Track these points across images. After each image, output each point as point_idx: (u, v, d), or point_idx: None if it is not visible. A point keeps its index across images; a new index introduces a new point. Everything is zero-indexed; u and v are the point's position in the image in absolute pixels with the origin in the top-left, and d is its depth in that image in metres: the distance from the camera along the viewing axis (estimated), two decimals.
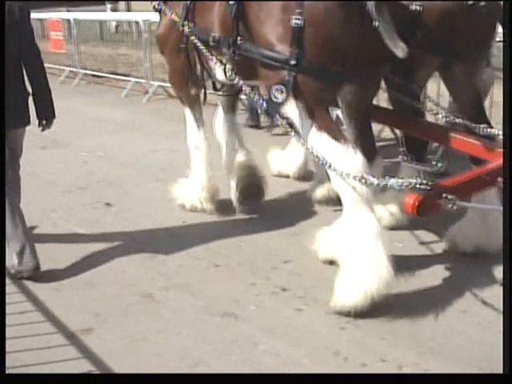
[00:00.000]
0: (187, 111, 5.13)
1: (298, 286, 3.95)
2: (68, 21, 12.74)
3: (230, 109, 5.26)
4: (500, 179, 3.05)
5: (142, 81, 10.88)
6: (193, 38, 4.36)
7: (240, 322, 3.58)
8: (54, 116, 4.32)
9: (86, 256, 4.46)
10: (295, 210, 5.24)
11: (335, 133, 3.63)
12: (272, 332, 3.47)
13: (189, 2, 4.49)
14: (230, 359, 3.23)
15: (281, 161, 6.09)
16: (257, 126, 7.93)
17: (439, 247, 4.36)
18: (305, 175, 5.91)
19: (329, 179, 3.87)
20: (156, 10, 4.98)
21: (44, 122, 4.30)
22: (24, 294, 3.89)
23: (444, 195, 3.13)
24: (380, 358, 3.20)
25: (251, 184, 5.14)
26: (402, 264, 4.13)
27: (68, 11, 13.24)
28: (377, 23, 3.41)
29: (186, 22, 4.45)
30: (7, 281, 3.98)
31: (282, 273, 4.14)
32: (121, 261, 4.39)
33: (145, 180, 6.14)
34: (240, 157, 5.16)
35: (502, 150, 3.44)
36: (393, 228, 4.53)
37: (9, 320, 3.40)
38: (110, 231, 4.89)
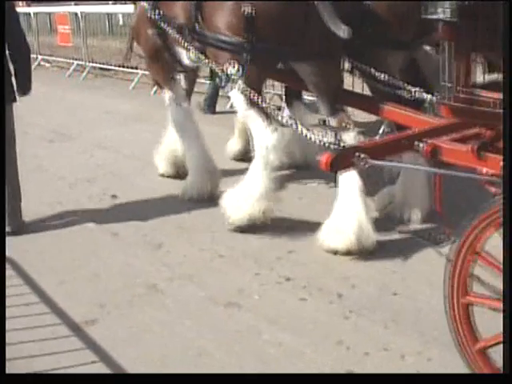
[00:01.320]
0: (166, 93, 5.32)
1: (302, 275, 3.95)
2: (75, 14, 12.77)
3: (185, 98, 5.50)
4: (417, 143, 3.18)
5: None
6: (162, 24, 4.77)
7: (244, 312, 3.59)
8: (30, 88, 4.82)
9: (91, 248, 4.49)
10: (299, 200, 5.25)
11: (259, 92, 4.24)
12: (275, 322, 3.47)
13: None
14: (234, 349, 3.24)
15: None
16: (213, 112, 8.58)
17: (444, 236, 4.33)
18: (309, 164, 5.80)
19: None
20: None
21: (22, 92, 4.79)
22: (29, 285, 3.91)
23: (356, 154, 3.25)
24: (383, 347, 3.19)
25: None
26: (405, 252, 4.15)
27: (75, 5, 13.22)
28: (319, 11, 3.93)
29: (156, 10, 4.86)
30: (12, 273, 4.03)
31: (287, 263, 4.14)
32: (125, 252, 4.41)
33: (151, 172, 6.14)
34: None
35: (423, 116, 3.96)
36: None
37: (14, 312, 3.44)
38: (116, 223, 4.91)
